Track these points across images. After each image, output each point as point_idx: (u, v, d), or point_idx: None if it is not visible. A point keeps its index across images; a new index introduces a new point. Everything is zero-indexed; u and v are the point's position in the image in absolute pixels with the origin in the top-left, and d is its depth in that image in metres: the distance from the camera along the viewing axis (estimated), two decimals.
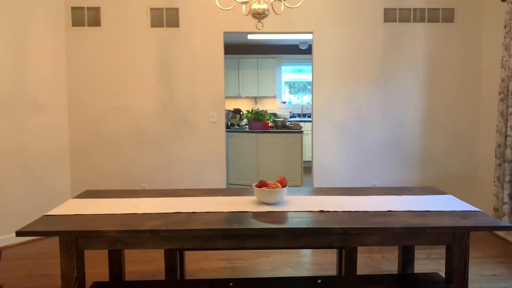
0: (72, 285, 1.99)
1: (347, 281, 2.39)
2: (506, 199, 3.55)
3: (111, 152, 4.31)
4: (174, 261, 2.56)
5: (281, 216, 2.12)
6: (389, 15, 4.32)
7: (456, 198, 2.47)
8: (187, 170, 4.37)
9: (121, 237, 1.97)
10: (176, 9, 4.23)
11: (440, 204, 2.31)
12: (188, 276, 3.07)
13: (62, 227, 1.97)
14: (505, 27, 3.61)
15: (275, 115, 7.94)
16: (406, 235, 2.04)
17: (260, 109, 7.12)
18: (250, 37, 7.07)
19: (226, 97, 4.52)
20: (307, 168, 5.90)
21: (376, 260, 3.40)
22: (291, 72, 8.93)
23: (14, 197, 3.81)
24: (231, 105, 8.21)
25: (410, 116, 4.40)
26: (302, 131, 6.20)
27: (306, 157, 6.60)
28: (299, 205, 2.28)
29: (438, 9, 4.31)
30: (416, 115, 4.41)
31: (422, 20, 4.32)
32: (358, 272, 2.78)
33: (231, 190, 2.73)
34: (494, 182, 3.75)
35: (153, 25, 4.23)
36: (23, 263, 3.39)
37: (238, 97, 8.52)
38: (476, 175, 4.41)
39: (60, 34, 4.14)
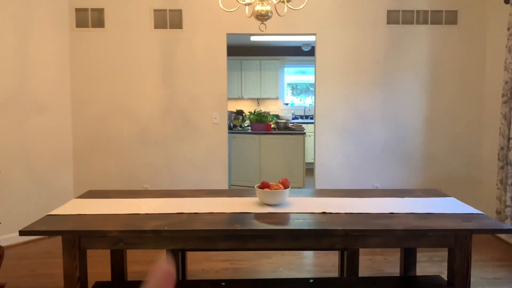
0: (74, 284, 2.00)
1: (349, 283, 2.39)
2: (508, 202, 3.54)
3: (113, 152, 4.33)
4: (176, 262, 2.57)
5: (283, 217, 2.12)
6: (392, 17, 4.32)
7: (458, 201, 2.47)
8: (189, 171, 4.38)
9: (123, 237, 1.98)
10: (180, 11, 4.25)
11: (442, 207, 2.31)
12: (189, 277, 3.07)
13: (64, 227, 1.98)
14: (508, 29, 3.61)
15: (277, 116, 7.94)
16: (408, 237, 2.04)
17: (263, 110, 7.13)
18: (253, 38, 7.08)
19: (229, 99, 4.53)
20: (309, 169, 5.90)
21: (378, 263, 3.39)
22: (294, 74, 8.93)
23: (17, 197, 3.82)
24: (234, 106, 8.22)
25: (412, 118, 4.40)
26: (304, 133, 6.21)
27: (308, 159, 6.60)
28: (301, 207, 2.28)
29: (441, 11, 4.31)
30: (419, 117, 4.40)
31: (425, 22, 4.32)
32: (360, 274, 2.77)
33: (233, 191, 2.74)
34: (496, 184, 3.74)
35: (157, 26, 4.24)
36: (26, 263, 3.40)
37: (240, 98, 8.53)
38: (479, 178, 4.40)
39: (64, 35, 4.16)
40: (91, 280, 2.28)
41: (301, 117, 8.71)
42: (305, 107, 8.81)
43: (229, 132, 5.71)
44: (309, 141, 6.81)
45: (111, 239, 1.98)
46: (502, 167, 3.69)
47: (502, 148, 3.69)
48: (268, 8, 2.43)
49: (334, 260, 3.39)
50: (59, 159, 4.16)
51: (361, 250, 2.94)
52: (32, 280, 3.08)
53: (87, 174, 4.30)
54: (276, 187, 2.29)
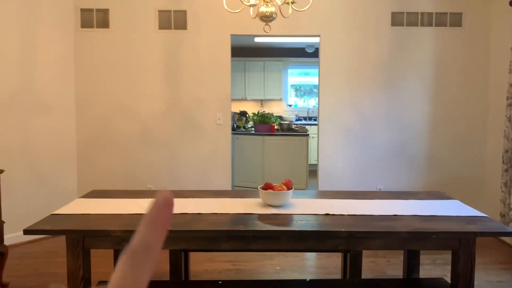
0: (78, 284, 2.01)
1: (352, 285, 2.39)
2: None
3: (117, 152, 4.34)
4: (178, 262, 2.57)
5: (287, 218, 2.12)
6: (397, 19, 4.31)
7: (462, 203, 2.46)
8: (193, 171, 4.39)
9: (127, 237, 1.98)
10: (184, 12, 4.26)
11: (446, 209, 2.30)
12: (192, 278, 3.07)
13: (68, 226, 1.99)
14: None
15: (281, 118, 7.94)
16: (412, 239, 2.03)
17: (266, 111, 7.13)
18: (257, 40, 7.09)
19: (232, 100, 4.53)
20: (312, 171, 5.90)
21: (381, 265, 3.39)
22: (297, 75, 8.93)
23: (21, 196, 3.84)
24: (237, 107, 8.22)
25: (416, 120, 4.39)
26: (308, 134, 6.20)
27: (312, 160, 6.59)
28: (304, 208, 2.28)
29: (446, 13, 4.30)
30: (423, 119, 4.39)
31: (429, 24, 4.31)
32: (363, 277, 2.77)
33: (236, 192, 2.74)
34: (501, 187, 3.72)
35: (161, 27, 4.25)
36: (30, 262, 3.41)
37: (244, 99, 8.53)
38: (483, 180, 4.38)
39: (69, 36, 4.18)
40: (95, 279, 2.28)
41: (305, 118, 8.71)
42: (308, 109, 8.80)
43: (232, 133, 5.71)
44: (312, 142, 6.80)
45: (114, 239, 1.99)
46: (506, 170, 3.67)
47: (506, 151, 3.68)
48: (272, 9, 2.43)
49: (337, 262, 3.38)
50: (62, 159, 4.17)
51: (364, 252, 2.93)
52: (36, 279, 3.09)
53: (90, 174, 4.31)
54: (279, 188, 2.29)
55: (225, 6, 2.56)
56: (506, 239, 3.90)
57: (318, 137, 4.46)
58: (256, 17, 2.52)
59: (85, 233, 1.96)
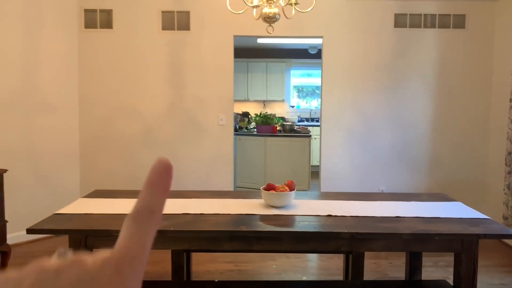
0: None
1: (354, 286, 2.38)
2: None
3: (120, 153, 4.35)
4: (180, 263, 2.58)
5: (289, 219, 2.12)
6: (400, 21, 4.31)
7: (465, 205, 2.46)
8: (195, 172, 4.39)
9: None
10: (187, 12, 4.26)
11: (449, 211, 2.30)
12: (194, 278, 3.07)
13: (71, 226, 1.99)
14: None
15: (283, 119, 7.94)
16: (414, 241, 2.03)
17: (269, 112, 7.13)
18: (259, 41, 7.09)
19: (235, 100, 4.53)
20: (315, 172, 5.89)
21: (383, 266, 3.38)
22: (300, 76, 8.93)
23: (24, 196, 3.85)
24: (240, 108, 8.23)
25: (419, 122, 4.38)
26: (310, 135, 6.20)
27: (314, 162, 6.59)
28: (306, 209, 2.28)
29: (449, 15, 4.30)
30: (425, 121, 4.38)
31: (433, 26, 4.31)
32: (365, 278, 2.76)
33: (238, 192, 2.74)
34: (504, 190, 3.71)
35: (164, 28, 4.26)
36: (32, 261, 3.42)
37: (246, 100, 8.54)
38: (486, 182, 4.37)
39: (73, 36, 4.19)
40: None
41: (307, 119, 8.71)
42: (311, 110, 8.80)
43: (234, 134, 5.72)
44: (314, 143, 6.80)
45: (116, 239, 1.99)
46: (509, 172, 3.66)
47: (509, 153, 3.67)
48: (276, 10, 2.43)
49: (338, 263, 3.38)
50: (65, 158, 4.19)
51: (366, 253, 2.93)
52: None
53: (93, 173, 4.32)
54: (282, 189, 2.29)
55: (229, 7, 2.57)
56: (508, 241, 3.89)
57: (320, 138, 4.45)
58: (259, 18, 2.53)
59: (88, 233, 1.96)
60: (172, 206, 2.32)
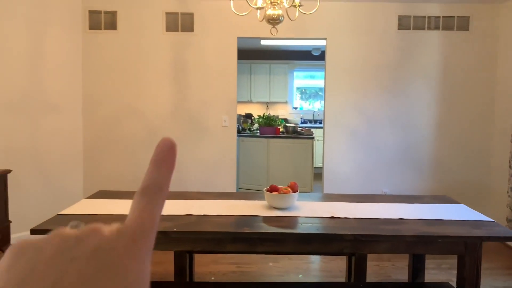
0: None
1: None
2: None
3: (123, 154, 4.36)
4: (183, 264, 2.58)
5: (292, 221, 2.12)
6: (403, 23, 4.31)
7: (468, 208, 2.45)
8: (198, 173, 4.40)
9: None
10: (191, 14, 4.28)
11: (452, 213, 2.29)
12: (196, 279, 3.08)
13: None
14: None
15: (286, 120, 7.95)
16: (417, 243, 2.03)
17: (272, 114, 7.13)
18: (263, 42, 7.10)
19: (238, 102, 4.54)
20: (317, 174, 5.89)
21: (386, 269, 3.37)
22: (303, 78, 8.93)
23: (28, 196, 3.87)
24: (243, 109, 8.24)
25: (422, 124, 4.38)
26: (313, 137, 6.19)
27: (317, 163, 6.58)
28: (309, 211, 2.28)
29: (453, 17, 4.29)
30: (429, 123, 4.38)
31: (436, 28, 4.30)
32: (367, 280, 2.76)
33: (241, 194, 2.74)
34: (507, 192, 3.70)
35: (168, 29, 4.28)
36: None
37: (249, 102, 8.55)
38: (489, 185, 4.35)
39: (77, 37, 4.21)
40: None
41: (310, 121, 8.71)
42: (314, 112, 8.80)
43: (237, 135, 5.72)
44: (317, 145, 6.80)
45: None
46: None
47: None
48: (279, 12, 2.44)
49: (341, 265, 3.37)
50: (69, 159, 4.20)
51: (368, 256, 2.93)
52: None
53: (97, 174, 4.34)
54: (284, 190, 2.29)
55: (233, 9, 2.58)
56: None
57: (323, 140, 4.45)
58: (263, 19, 2.53)
59: None
60: (175, 207, 2.32)
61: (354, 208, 2.36)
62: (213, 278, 2.23)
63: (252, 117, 7.33)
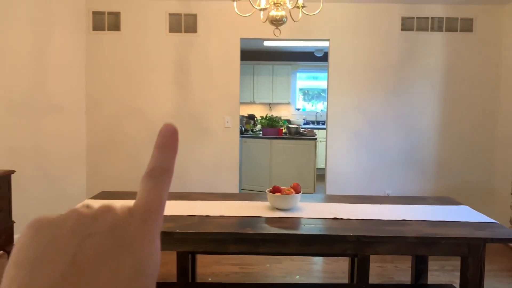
0: None
1: None
2: None
3: (126, 154, 4.37)
4: (186, 265, 2.58)
5: (294, 222, 2.12)
6: (407, 24, 4.30)
7: (472, 209, 2.44)
8: (201, 174, 4.40)
9: None
10: (194, 15, 4.29)
11: (455, 215, 2.29)
12: (199, 280, 3.08)
13: None
14: None
15: (289, 121, 7.95)
16: (421, 244, 2.02)
17: (274, 115, 7.14)
18: (266, 43, 7.11)
19: (241, 103, 4.54)
20: (320, 175, 5.88)
21: (389, 270, 3.37)
22: (306, 79, 8.93)
23: (31, 197, 3.88)
24: (245, 110, 8.24)
25: (425, 126, 4.37)
26: (316, 138, 6.19)
27: (319, 165, 6.57)
28: (312, 212, 2.27)
29: (457, 18, 4.28)
30: (432, 124, 4.37)
31: (440, 29, 4.29)
32: (370, 282, 2.75)
33: (244, 194, 2.74)
34: (511, 193, 3.68)
35: (171, 30, 4.29)
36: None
37: (252, 103, 8.55)
38: (493, 186, 4.34)
39: (81, 38, 4.23)
40: None
41: (313, 122, 8.70)
42: (316, 113, 8.80)
43: (240, 136, 5.73)
44: (320, 146, 6.79)
45: None
46: None
47: None
48: (283, 13, 2.44)
49: (344, 266, 3.37)
50: (72, 160, 4.22)
51: (371, 257, 2.92)
52: None
53: (100, 175, 4.35)
54: (287, 191, 2.29)
55: (236, 10, 2.58)
56: None
57: (326, 141, 4.45)
58: (266, 21, 2.54)
59: None
60: (178, 208, 2.33)
61: (357, 209, 2.36)
62: (210, 279, 2.23)
63: (255, 118, 7.34)
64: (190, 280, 2.64)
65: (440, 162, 4.38)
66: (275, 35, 2.63)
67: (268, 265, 3.30)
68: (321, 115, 8.65)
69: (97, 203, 0.30)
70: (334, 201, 2.57)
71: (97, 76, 4.30)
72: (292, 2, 2.51)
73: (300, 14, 2.55)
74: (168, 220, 2.09)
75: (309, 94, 9.08)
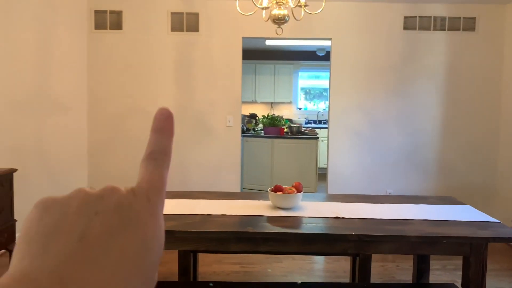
0: None
1: None
2: None
3: (128, 153, 4.37)
4: (187, 264, 2.58)
5: (296, 221, 2.12)
6: (409, 23, 4.29)
7: (474, 208, 2.44)
8: (202, 173, 4.40)
9: None
10: (196, 14, 4.28)
11: (457, 214, 2.28)
12: (200, 279, 3.08)
13: None
14: None
15: (290, 120, 7.94)
16: (422, 244, 2.02)
17: (276, 114, 7.13)
18: (267, 42, 7.10)
19: (242, 102, 4.54)
20: (322, 174, 5.88)
21: (390, 269, 3.36)
22: (308, 78, 8.92)
23: (33, 195, 3.89)
24: (247, 110, 8.24)
25: (427, 125, 4.36)
26: (317, 137, 6.18)
27: (321, 164, 6.57)
28: (314, 211, 2.27)
29: (459, 17, 4.27)
30: (434, 124, 4.36)
31: (442, 28, 4.28)
32: (372, 281, 2.75)
33: (245, 193, 2.74)
34: None
35: (173, 29, 4.29)
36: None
37: (254, 102, 8.55)
38: (495, 186, 4.33)
39: (83, 37, 4.23)
40: None
41: (314, 121, 8.69)
42: (318, 112, 8.79)
43: (242, 136, 5.72)
44: (322, 146, 6.79)
45: None
46: None
47: None
48: (285, 12, 2.44)
49: (345, 265, 3.37)
50: (75, 158, 4.22)
51: (373, 256, 2.92)
52: None
53: (102, 174, 4.35)
54: (289, 190, 2.29)
55: (238, 9, 2.58)
56: None
57: (328, 140, 4.44)
58: (268, 19, 2.53)
59: None
60: (180, 206, 2.33)
61: (358, 208, 2.36)
62: (211, 285, 2.22)
63: (257, 117, 7.33)
64: (191, 279, 2.64)
65: (442, 161, 4.37)
66: (277, 34, 2.63)
67: (269, 270, 3.29)
68: (322, 115, 8.64)
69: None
70: (335, 200, 2.57)
71: (99, 75, 4.31)
72: (294, 1, 2.50)
73: (302, 13, 2.54)
74: (170, 219, 2.09)
75: (311, 93, 9.07)
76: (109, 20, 4.27)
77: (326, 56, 7.43)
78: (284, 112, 8.64)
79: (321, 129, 7.31)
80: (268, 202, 2.40)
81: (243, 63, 4.41)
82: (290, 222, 2.10)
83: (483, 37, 4.28)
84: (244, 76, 4.72)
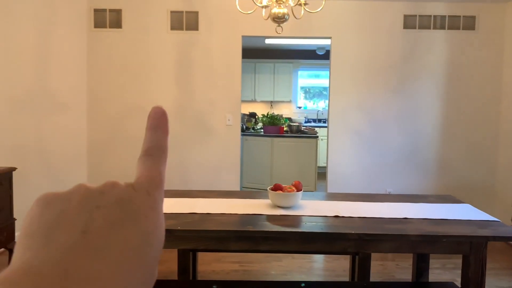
0: None
1: (360, 287, 2.37)
2: None
3: (128, 152, 4.37)
4: (187, 262, 2.58)
5: (296, 220, 2.12)
6: (409, 22, 4.29)
7: (474, 207, 2.44)
8: (202, 171, 4.40)
9: None
10: (196, 13, 4.28)
11: (457, 213, 2.28)
12: (200, 278, 3.08)
13: None
14: None
15: (290, 119, 7.94)
16: (422, 243, 2.02)
17: (276, 113, 7.13)
18: (267, 41, 7.10)
19: (242, 101, 4.54)
20: (321, 173, 5.88)
21: (390, 268, 3.36)
22: (308, 77, 8.92)
23: (33, 195, 3.88)
24: (247, 109, 8.24)
25: (427, 124, 4.36)
26: (317, 136, 6.18)
27: (321, 163, 6.57)
28: (313, 210, 2.27)
29: (459, 16, 4.27)
30: (434, 122, 4.36)
31: (442, 27, 4.28)
32: (371, 280, 2.75)
33: (245, 192, 2.74)
34: None
35: (173, 28, 4.28)
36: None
37: (253, 101, 8.55)
38: (495, 185, 4.33)
39: (82, 35, 4.23)
40: None
41: (314, 120, 8.69)
42: (318, 111, 8.78)
43: (241, 134, 5.72)
44: (321, 144, 6.78)
45: None
46: None
47: None
48: (285, 10, 2.43)
49: (345, 264, 3.37)
50: (74, 157, 4.22)
51: (372, 255, 2.92)
52: None
53: (101, 172, 4.35)
54: (289, 189, 2.29)
55: (238, 7, 2.57)
56: None
57: (328, 139, 4.44)
58: (268, 18, 2.53)
59: None
60: (179, 205, 2.33)
61: (358, 207, 2.36)
62: (214, 287, 2.23)
63: (256, 116, 7.33)
64: (190, 278, 2.64)
65: (441, 160, 4.37)
66: (277, 32, 2.62)
67: (273, 272, 3.28)
68: (322, 113, 8.63)
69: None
70: (335, 199, 2.57)
71: (98, 74, 4.30)
72: None
73: (302, 12, 2.54)
74: (169, 218, 2.08)
75: (310, 92, 9.07)
76: (108, 19, 4.26)
77: (326, 55, 7.42)
78: (284, 111, 8.64)
79: (321, 128, 7.31)
80: (268, 201, 2.40)
81: (242, 62, 4.41)
82: (290, 221, 2.10)
83: (483, 35, 4.28)
84: (243, 75, 4.71)
